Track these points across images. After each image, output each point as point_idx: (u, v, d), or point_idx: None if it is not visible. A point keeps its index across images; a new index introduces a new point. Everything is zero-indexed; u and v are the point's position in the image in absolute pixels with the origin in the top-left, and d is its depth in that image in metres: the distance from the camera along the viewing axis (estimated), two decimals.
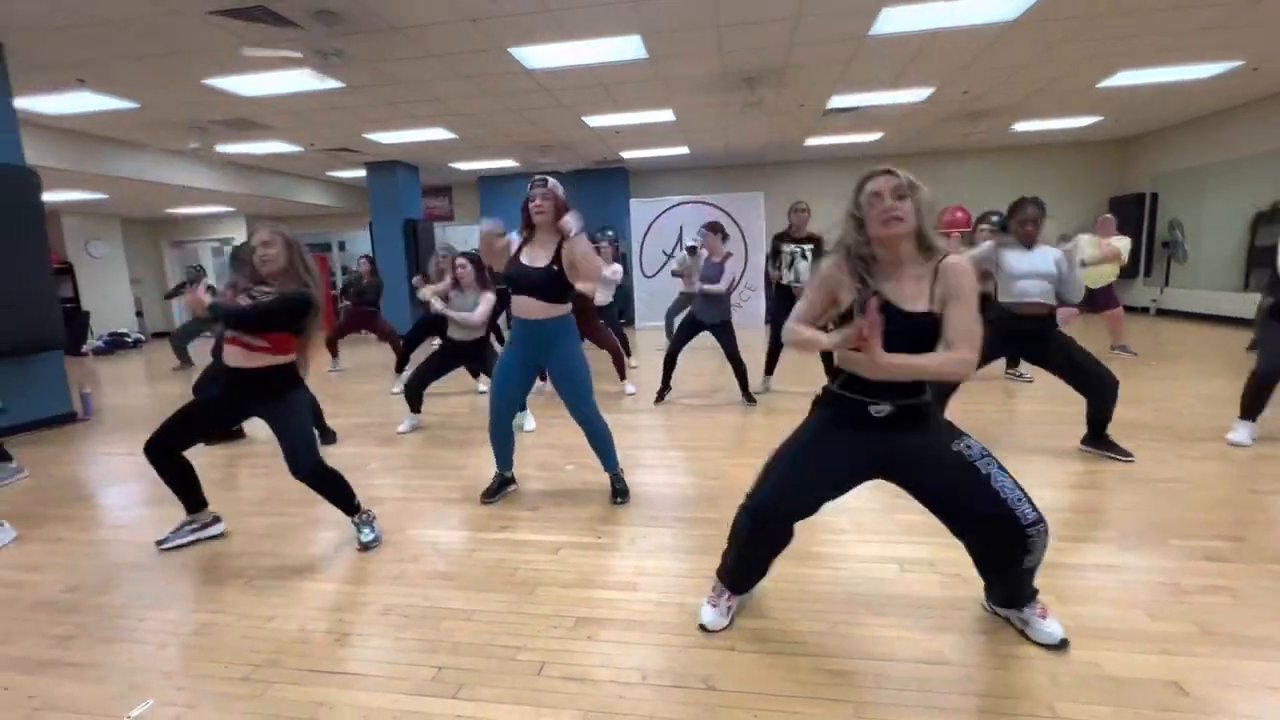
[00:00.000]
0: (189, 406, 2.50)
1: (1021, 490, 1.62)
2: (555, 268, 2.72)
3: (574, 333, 2.85)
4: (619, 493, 2.90)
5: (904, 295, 1.61)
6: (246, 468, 3.69)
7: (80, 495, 3.36)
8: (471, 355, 4.45)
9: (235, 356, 2.37)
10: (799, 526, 1.79)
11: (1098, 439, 3.30)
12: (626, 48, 5.12)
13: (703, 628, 1.85)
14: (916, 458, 1.68)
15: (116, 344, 10.43)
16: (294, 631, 1.93)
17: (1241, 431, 3.37)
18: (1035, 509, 1.60)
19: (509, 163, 10.21)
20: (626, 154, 9.89)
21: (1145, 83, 6.69)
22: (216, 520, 2.69)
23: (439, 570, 2.29)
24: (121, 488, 3.44)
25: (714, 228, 4.76)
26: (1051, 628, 1.73)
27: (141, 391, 6.70)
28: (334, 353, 7.11)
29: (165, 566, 2.42)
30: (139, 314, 12.22)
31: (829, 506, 1.77)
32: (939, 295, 1.59)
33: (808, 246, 4.91)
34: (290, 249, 2.40)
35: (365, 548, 2.47)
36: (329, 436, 4.10)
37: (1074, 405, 3.42)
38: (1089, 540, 2.35)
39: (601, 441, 2.92)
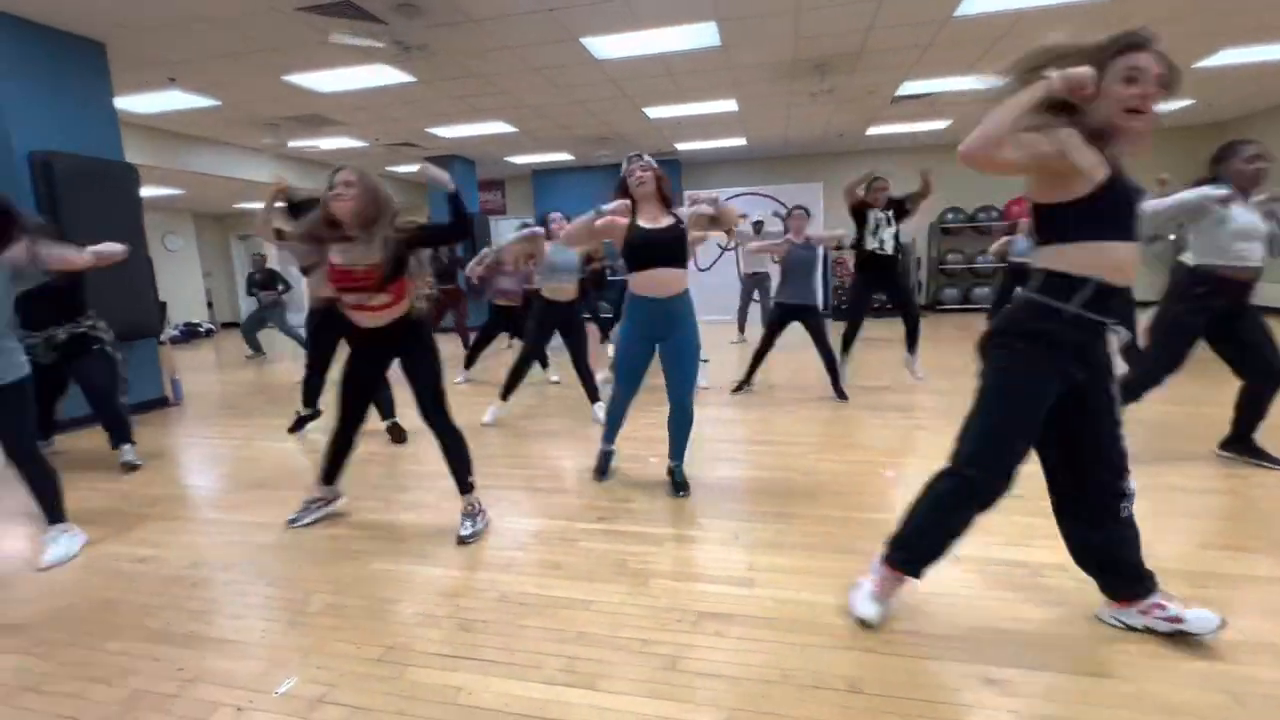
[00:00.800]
0: (343, 392, 2.57)
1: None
2: (681, 225, 2.71)
3: (694, 312, 2.81)
4: (680, 486, 2.87)
5: None
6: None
7: (189, 477, 3.50)
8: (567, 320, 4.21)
9: (365, 320, 2.43)
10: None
11: (1243, 442, 2.92)
12: (700, 35, 5.04)
13: (862, 622, 1.77)
14: (1090, 389, 1.59)
15: (191, 333, 10.92)
16: (418, 616, 1.94)
17: None
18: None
19: (564, 156, 10.24)
20: (681, 146, 9.80)
21: (1247, 61, 6.25)
22: (339, 497, 2.78)
23: (547, 560, 2.28)
24: (222, 469, 3.57)
25: (802, 211, 4.87)
26: (1204, 613, 1.61)
27: (219, 378, 6.98)
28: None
29: (282, 546, 2.49)
30: (209, 305, 12.77)
31: None
32: None
33: (889, 213, 4.84)
34: (372, 190, 2.33)
35: (463, 541, 2.41)
36: (399, 435, 3.85)
37: (1191, 404, 3.21)
38: (1248, 550, 2.19)
39: (685, 430, 2.90)
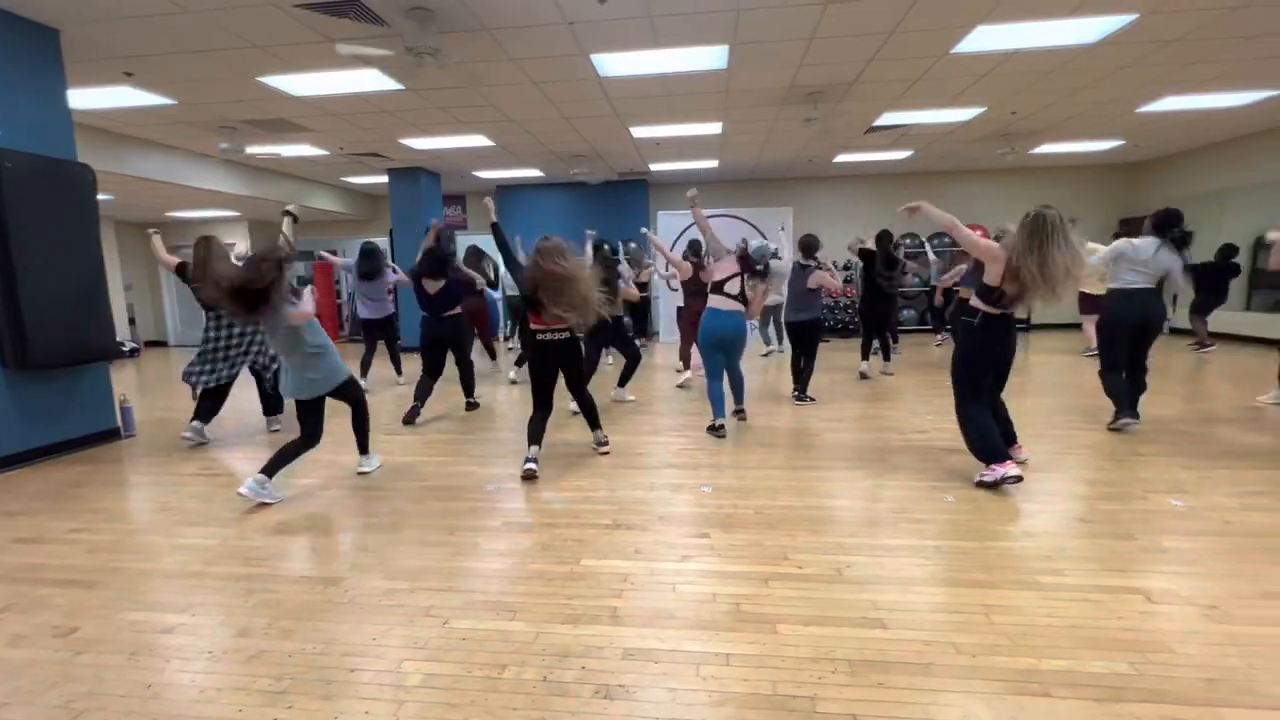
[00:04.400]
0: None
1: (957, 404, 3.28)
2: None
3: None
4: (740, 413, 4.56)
5: None
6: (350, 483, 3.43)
7: (213, 540, 3.06)
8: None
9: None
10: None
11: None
12: (710, 58, 5.04)
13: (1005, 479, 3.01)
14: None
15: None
16: (541, 684, 1.72)
17: None
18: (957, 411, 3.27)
19: (534, 172, 10.03)
20: (655, 166, 9.81)
21: (1182, 109, 6.90)
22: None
23: (655, 608, 2.10)
24: (231, 516, 3.14)
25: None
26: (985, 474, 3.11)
27: (159, 404, 6.28)
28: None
29: (337, 605, 2.18)
30: (131, 321, 11.61)
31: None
32: None
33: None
34: None
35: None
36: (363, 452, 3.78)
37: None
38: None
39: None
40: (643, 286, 8.20)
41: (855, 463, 3.65)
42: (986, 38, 4.76)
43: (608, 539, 2.67)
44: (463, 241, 12.20)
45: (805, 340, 5.36)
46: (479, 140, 7.75)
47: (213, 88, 5.44)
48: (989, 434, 3.16)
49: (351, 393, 3.53)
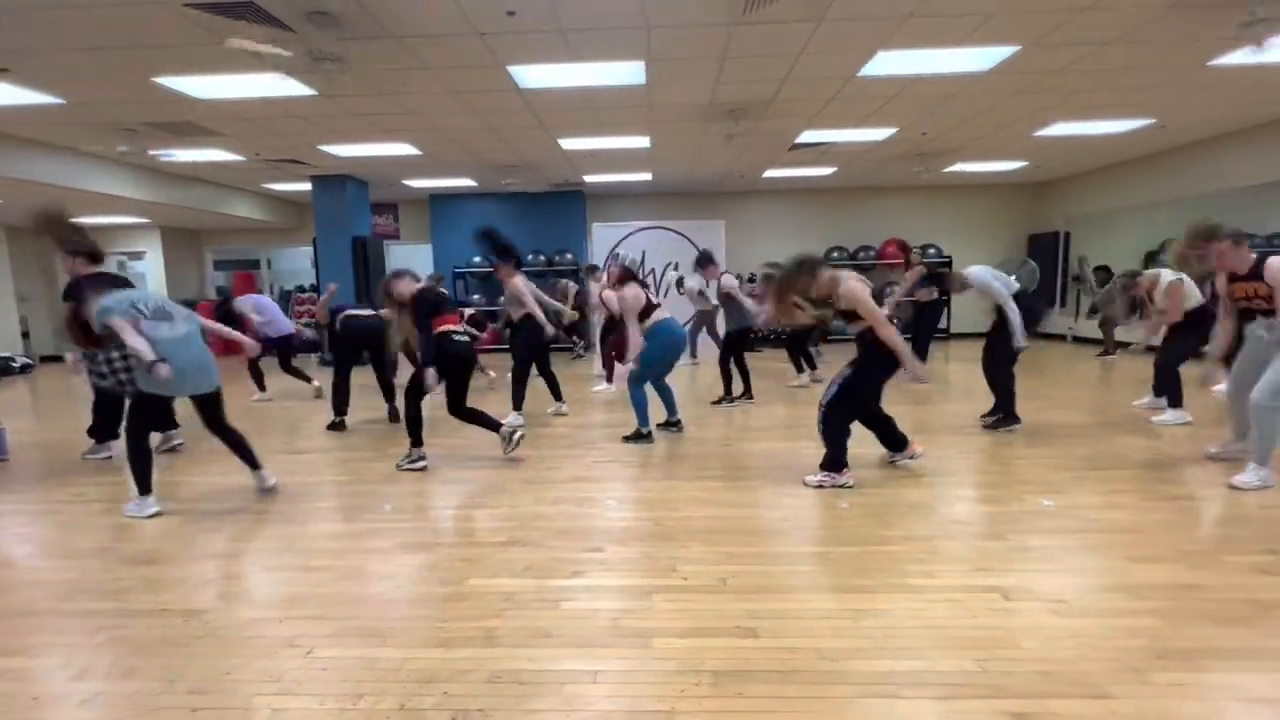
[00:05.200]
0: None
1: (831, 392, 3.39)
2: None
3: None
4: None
5: None
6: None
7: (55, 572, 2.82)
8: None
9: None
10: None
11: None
12: (627, 73, 5.10)
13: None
14: None
15: (2, 369, 9.07)
16: (397, 713, 1.66)
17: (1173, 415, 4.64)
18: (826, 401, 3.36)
19: (467, 182, 9.90)
20: (589, 178, 9.85)
21: (1072, 134, 7.44)
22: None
23: (532, 626, 2.07)
24: (92, 547, 2.91)
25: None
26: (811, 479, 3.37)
27: (48, 426, 5.82)
28: (305, 378, 6.54)
29: (197, 637, 2.05)
30: (25, 335, 10.74)
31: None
32: None
33: None
34: None
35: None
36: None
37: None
38: (1156, 560, 2.47)
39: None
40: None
41: (761, 472, 3.72)
42: (888, 63, 5.00)
43: (499, 557, 2.62)
44: (397, 252, 11.93)
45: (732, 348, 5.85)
46: (405, 149, 7.59)
47: (103, 87, 5.12)
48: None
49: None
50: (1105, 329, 8.52)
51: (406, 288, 3.94)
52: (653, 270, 10.50)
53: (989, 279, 4.34)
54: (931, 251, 11.03)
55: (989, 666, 1.80)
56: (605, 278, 6.53)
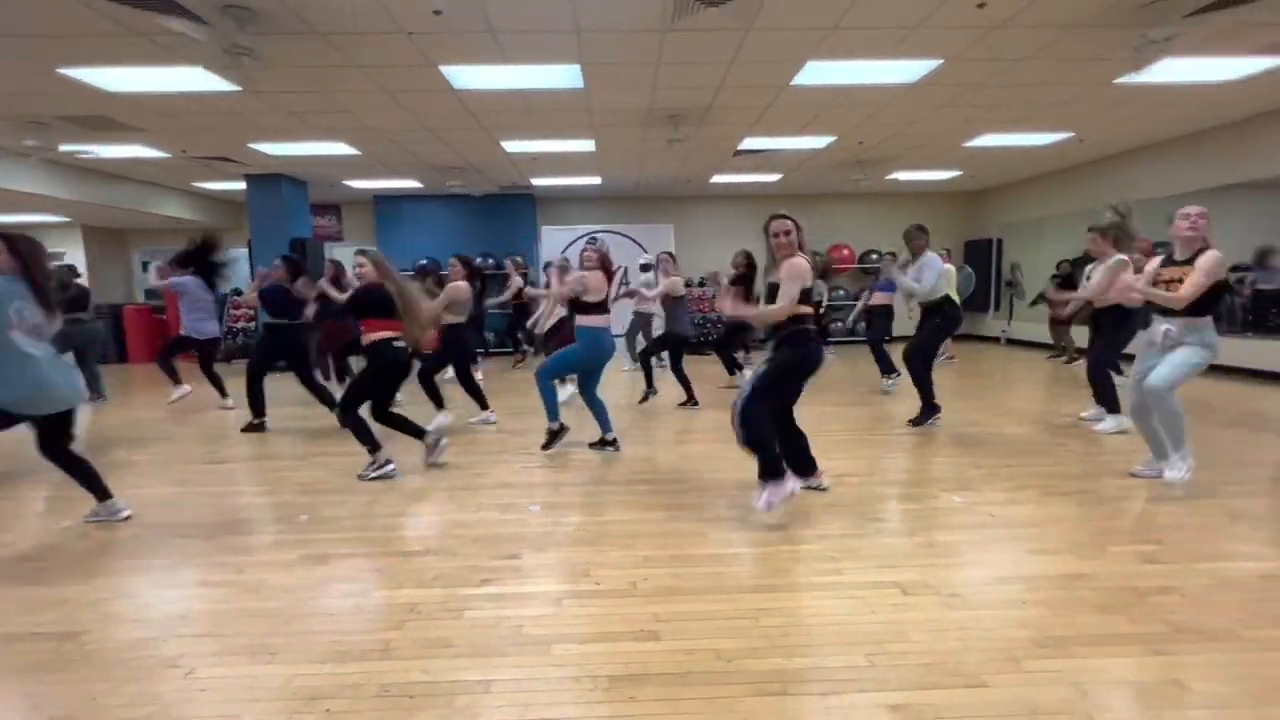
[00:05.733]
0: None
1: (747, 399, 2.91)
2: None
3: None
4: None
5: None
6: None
7: None
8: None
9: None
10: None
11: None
12: (563, 76, 5.09)
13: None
14: None
15: None
16: None
17: (1110, 422, 4.45)
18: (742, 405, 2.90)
19: (411, 183, 9.70)
20: (537, 181, 9.78)
21: (999, 145, 7.78)
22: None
23: (431, 637, 2.02)
24: None
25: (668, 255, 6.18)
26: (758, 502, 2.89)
27: None
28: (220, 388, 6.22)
29: (67, 660, 1.93)
30: None
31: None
32: None
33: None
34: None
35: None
36: None
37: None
38: (1050, 552, 2.59)
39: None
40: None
41: (689, 474, 3.75)
42: (819, 73, 5.13)
43: (410, 566, 2.56)
44: (341, 254, 11.60)
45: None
46: (341, 148, 7.39)
47: (4, 78, 4.82)
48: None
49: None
50: (1056, 331, 8.53)
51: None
52: None
53: (894, 273, 4.88)
54: (874, 257, 11.36)
55: (877, 661, 1.85)
56: (556, 275, 6.58)
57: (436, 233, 10.89)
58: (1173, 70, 5.14)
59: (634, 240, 10.14)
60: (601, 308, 4.11)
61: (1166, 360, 3.12)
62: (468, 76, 5.08)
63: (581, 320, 4.11)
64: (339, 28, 4.09)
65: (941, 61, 4.94)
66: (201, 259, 5.67)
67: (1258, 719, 1.58)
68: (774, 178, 9.81)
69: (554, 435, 4.22)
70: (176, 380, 5.93)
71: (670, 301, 5.95)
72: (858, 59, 4.86)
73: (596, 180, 9.82)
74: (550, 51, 4.57)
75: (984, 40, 4.52)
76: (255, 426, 5.02)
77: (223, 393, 6.03)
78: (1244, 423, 4.90)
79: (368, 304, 3.68)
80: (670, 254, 6.22)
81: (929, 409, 4.71)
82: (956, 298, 5.41)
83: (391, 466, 3.73)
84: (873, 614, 2.12)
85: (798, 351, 2.99)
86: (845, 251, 11.42)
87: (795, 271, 2.91)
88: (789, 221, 3.02)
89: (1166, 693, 1.69)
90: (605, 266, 4.15)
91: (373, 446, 3.72)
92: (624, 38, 4.37)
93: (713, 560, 2.57)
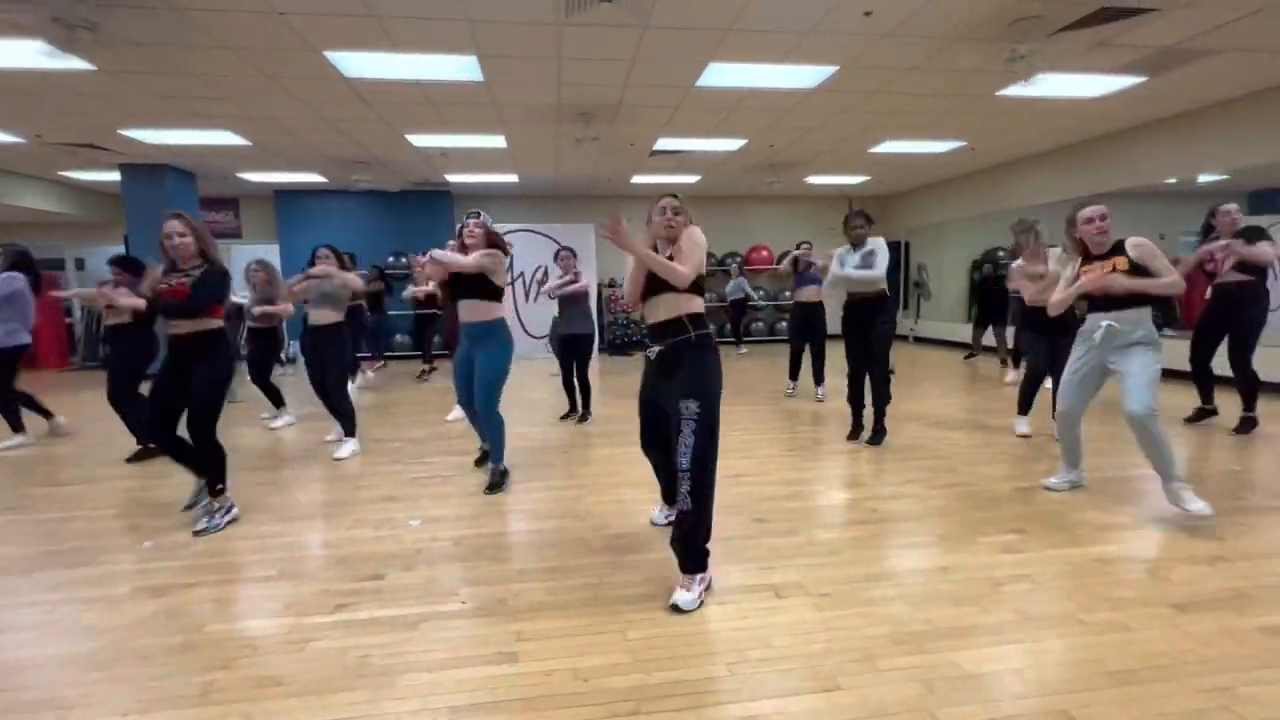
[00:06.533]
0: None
1: (692, 458, 2.14)
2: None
3: (500, 339, 3.49)
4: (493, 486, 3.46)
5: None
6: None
7: None
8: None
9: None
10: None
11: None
12: (461, 68, 4.88)
13: (681, 609, 2.12)
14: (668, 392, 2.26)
15: None
16: None
17: (1022, 425, 4.41)
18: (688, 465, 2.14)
19: (315, 177, 9.14)
20: (452, 177, 9.44)
21: (901, 152, 8.13)
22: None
23: (261, 675, 1.83)
24: None
25: (568, 251, 5.30)
26: (682, 597, 2.15)
27: None
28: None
29: None
30: None
31: None
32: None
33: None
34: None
35: (201, 533, 2.88)
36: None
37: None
38: (919, 546, 2.66)
39: (495, 434, 3.52)
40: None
41: (587, 480, 3.66)
42: (722, 74, 5.16)
43: (259, 594, 2.34)
44: (241, 252, 10.82)
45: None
46: (228, 137, 6.84)
47: None
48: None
49: None
50: (976, 330, 8.77)
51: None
52: (521, 274, 10.30)
53: (833, 265, 4.44)
54: (796, 250, 11.66)
55: (737, 670, 1.81)
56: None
57: (345, 230, 10.32)
58: (1048, 85, 5.49)
59: (554, 240, 9.95)
60: (499, 295, 3.48)
61: (1131, 382, 2.80)
62: (359, 64, 4.79)
63: (493, 311, 3.43)
64: (197, 3, 3.74)
65: (838, 68, 5.07)
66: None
67: (1079, 703, 1.64)
68: (693, 179, 9.87)
69: (502, 477, 3.54)
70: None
71: (567, 301, 5.19)
72: (758, 62, 4.91)
73: (514, 178, 9.58)
74: (441, 40, 4.36)
75: (874, 49, 4.66)
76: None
77: (46, 414, 4.98)
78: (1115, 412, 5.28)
79: None
80: (570, 250, 5.34)
81: (882, 428, 4.27)
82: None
83: (236, 512, 3.11)
84: (743, 620, 2.09)
85: (714, 359, 2.27)
86: (764, 252, 11.67)
87: (698, 237, 2.37)
88: (676, 200, 2.48)
89: (1005, 683, 1.73)
90: (496, 243, 3.46)
91: (218, 478, 3.06)
92: (519, 30, 4.22)
93: (593, 570, 2.48)
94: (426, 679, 1.80)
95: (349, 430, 4.31)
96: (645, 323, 2.41)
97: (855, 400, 4.36)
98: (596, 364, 7.97)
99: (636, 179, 9.75)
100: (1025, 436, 4.37)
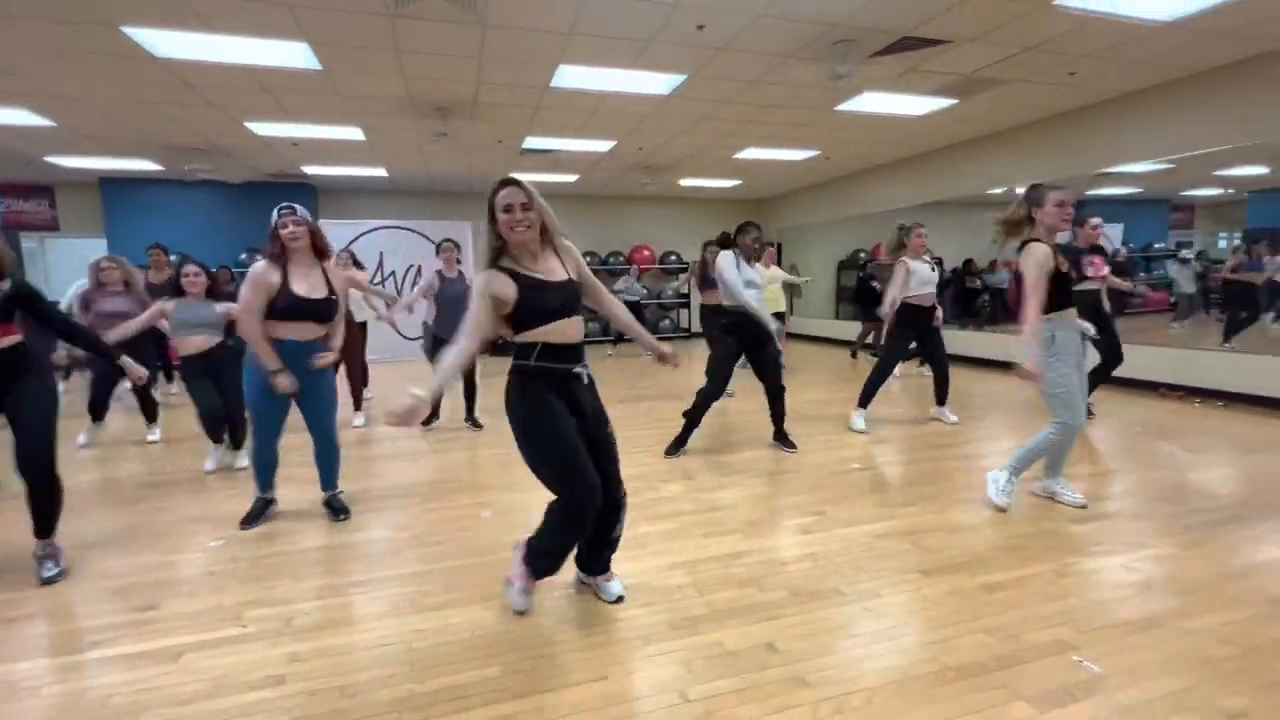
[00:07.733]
0: None
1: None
2: (334, 297, 2.92)
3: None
4: (339, 511, 3.09)
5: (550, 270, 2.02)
6: None
7: None
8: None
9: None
10: None
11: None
12: (292, 54, 4.58)
13: (519, 613, 2.11)
14: (595, 412, 2.09)
15: None
16: None
17: (858, 420, 4.61)
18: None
19: (147, 164, 8.23)
20: (312, 170, 8.85)
21: (764, 158, 8.58)
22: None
23: None
24: None
25: (451, 244, 4.94)
26: (615, 586, 2.24)
27: None
28: None
29: None
30: None
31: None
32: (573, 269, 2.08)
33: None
34: None
35: (50, 582, 2.43)
36: None
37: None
38: (725, 533, 2.83)
39: (329, 460, 3.11)
40: None
41: (423, 488, 3.57)
42: (575, 77, 5.20)
43: (7, 636, 2.08)
44: (61, 247, 9.54)
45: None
46: (26, 117, 6.01)
47: None
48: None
49: None
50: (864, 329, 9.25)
51: None
52: (393, 273, 9.84)
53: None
54: (673, 258, 12.01)
55: (516, 668, 1.85)
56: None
57: (187, 223, 9.43)
58: (877, 103, 6.02)
59: (427, 237, 9.59)
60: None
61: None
62: (169, 44, 4.36)
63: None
64: None
65: (687, 76, 5.26)
66: None
67: (817, 669, 1.82)
68: (571, 178, 9.88)
69: (265, 506, 3.12)
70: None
71: (448, 302, 4.79)
72: (606, 66, 5.00)
73: (382, 172, 9.13)
74: (260, 24, 4.07)
75: (714, 60, 4.88)
76: None
77: None
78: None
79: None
80: (454, 242, 4.92)
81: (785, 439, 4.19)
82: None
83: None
84: (534, 618, 2.13)
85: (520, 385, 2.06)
86: (646, 252, 11.90)
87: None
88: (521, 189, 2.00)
89: (756, 656, 1.89)
90: (320, 245, 2.94)
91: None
92: (348, 18, 4.03)
93: (399, 580, 2.43)
94: (173, 714, 1.68)
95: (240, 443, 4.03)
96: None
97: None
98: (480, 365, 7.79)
99: (514, 176, 9.58)
100: (862, 432, 4.50)
